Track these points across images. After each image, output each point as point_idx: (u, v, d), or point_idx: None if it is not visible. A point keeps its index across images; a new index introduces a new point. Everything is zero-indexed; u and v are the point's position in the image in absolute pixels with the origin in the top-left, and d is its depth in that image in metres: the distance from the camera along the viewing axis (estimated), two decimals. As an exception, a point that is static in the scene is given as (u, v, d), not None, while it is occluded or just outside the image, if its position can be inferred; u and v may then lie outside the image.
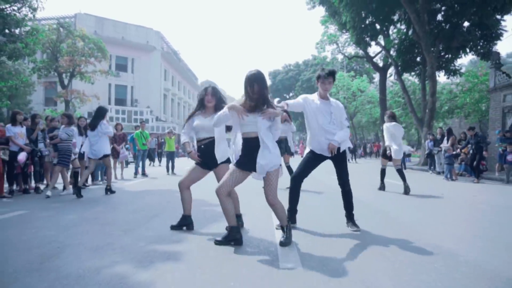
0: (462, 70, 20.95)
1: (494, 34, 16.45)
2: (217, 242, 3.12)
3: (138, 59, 46.22)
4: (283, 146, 7.02)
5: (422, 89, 19.04)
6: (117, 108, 42.36)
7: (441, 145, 12.09)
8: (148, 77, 46.21)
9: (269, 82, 58.44)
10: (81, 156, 7.65)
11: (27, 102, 29.56)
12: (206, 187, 4.68)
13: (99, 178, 8.65)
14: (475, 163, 10.52)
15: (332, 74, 3.80)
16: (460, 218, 4.59)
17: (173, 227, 3.72)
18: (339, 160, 3.88)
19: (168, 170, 11.41)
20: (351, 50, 28.29)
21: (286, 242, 3.09)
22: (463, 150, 12.41)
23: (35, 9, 13.73)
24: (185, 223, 3.75)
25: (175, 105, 54.42)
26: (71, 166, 7.13)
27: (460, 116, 26.46)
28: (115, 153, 9.66)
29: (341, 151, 3.85)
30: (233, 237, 3.11)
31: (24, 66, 24.14)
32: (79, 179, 7.46)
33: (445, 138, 12.20)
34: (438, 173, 12.86)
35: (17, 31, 14.14)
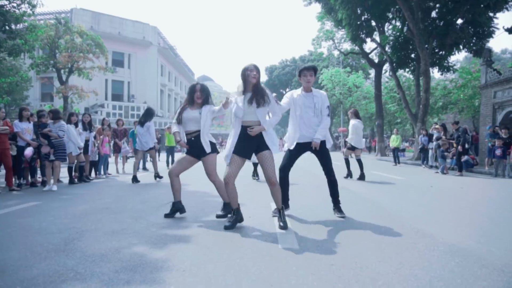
0: (457, 66, 21.31)
1: (487, 31, 16.83)
2: (227, 227, 3.46)
3: (135, 55, 46.20)
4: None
5: (416, 85, 19.42)
6: (114, 104, 42.45)
7: (439, 140, 12.41)
8: (145, 72, 46.25)
9: (265, 78, 58.67)
10: (85, 150, 7.94)
11: (24, 97, 29.63)
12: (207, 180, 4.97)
13: (102, 172, 8.94)
14: (455, 156, 11.13)
15: (312, 67, 4.11)
16: (444, 207, 4.94)
17: (166, 215, 4.05)
18: (321, 152, 4.16)
19: (168, 165, 11.70)
20: (347, 46, 28.59)
21: (284, 226, 3.45)
22: (454, 145, 12.84)
23: (34, 6, 13.86)
24: (178, 209, 4.09)
25: (171, 101, 54.54)
26: (68, 160, 7.38)
27: (454, 111, 26.92)
28: (117, 148, 9.94)
29: (325, 146, 4.15)
30: (238, 216, 3.61)
31: (21, 62, 24.21)
32: (84, 173, 7.77)
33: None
34: (431, 167, 13.26)
35: (16, 27, 14.27)
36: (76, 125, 7.46)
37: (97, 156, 8.55)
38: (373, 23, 19.48)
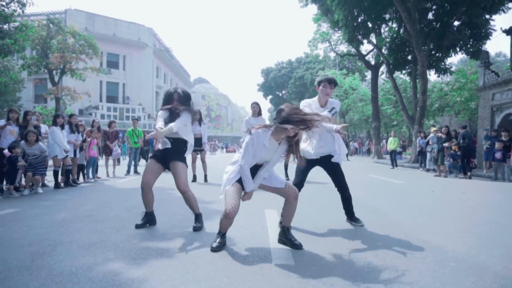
0: (453, 69, 21.13)
1: (484, 33, 16.71)
2: (214, 249, 2.95)
3: (130, 56, 45.83)
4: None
5: (413, 87, 19.23)
6: (109, 106, 42.04)
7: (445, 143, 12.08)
8: (140, 74, 45.87)
9: (261, 80, 58.35)
10: (73, 154, 7.60)
11: (16, 99, 29.16)
12: (198, 187, 4.68)
13: (91, 176, 8.59)
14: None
15: (334, 82, 3.66)
16: (449, 214, 4.66)
17: (138, 226, 3.67)
18: (333, 167, 3.86)
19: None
20: (344, 48, 28.43)
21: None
22: (453, 148, 12.64)
23: (24, 5, 13.50)
24: (149, 220, 3.80)
25: (167, 103, 54.10)
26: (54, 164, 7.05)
27: (451, 114, 26.80)
28: (108, 151, 9.59)
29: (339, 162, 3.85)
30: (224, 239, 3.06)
31: (13, 62, 23.77)
32: (71, 177, 7.43)
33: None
34: (428, 170, 13.03)
35: (5, 26, 13.91)
36: (62, 127, 7.12)
37: (84, 159, 8.20)
38: (370, 25, 19.28)
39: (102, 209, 4.71)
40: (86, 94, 20.63)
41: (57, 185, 6.98)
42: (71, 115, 7.86)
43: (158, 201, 5.32)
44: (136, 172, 10.42)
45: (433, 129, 13.12)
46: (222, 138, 67.44)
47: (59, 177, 7.21)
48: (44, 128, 7.57)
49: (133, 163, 10.55)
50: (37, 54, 20.29)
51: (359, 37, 18.81)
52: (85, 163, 8.29)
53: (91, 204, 5.12)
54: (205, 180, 8.04)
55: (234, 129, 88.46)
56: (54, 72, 20.32)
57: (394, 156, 14.41)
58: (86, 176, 8.31)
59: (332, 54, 31.23)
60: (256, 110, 7.43)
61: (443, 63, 19.29)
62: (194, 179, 8.02)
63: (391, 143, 14.43)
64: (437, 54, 18.83)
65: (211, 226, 3.70)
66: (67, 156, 7.13)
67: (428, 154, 13.22)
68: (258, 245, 3.07)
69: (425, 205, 5.33)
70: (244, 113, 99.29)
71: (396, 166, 14.45)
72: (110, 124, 9.81)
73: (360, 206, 4.99)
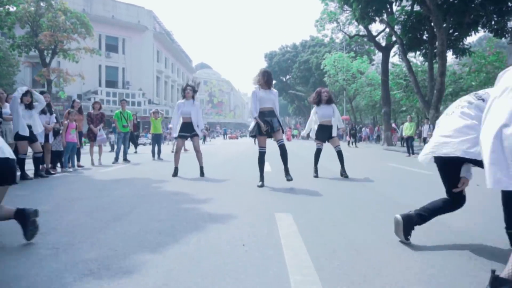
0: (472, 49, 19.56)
1: (510, 8, 15.19)
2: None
3: (129, 40, 44.40)
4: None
5: (429, 69, 17.86)
6: (108, 91, 40.88)
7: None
8: (140, 58, 44.49)
9: (265, 64, 56.92)
10: (46, 139, 6.49)
11: (11, 83, 28.04)
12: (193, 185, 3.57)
13: (71, 165, 7.50)
14: None
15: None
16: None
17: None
18: None
19: (154, 155, 10.28)
20: (352, 29, 26.85)
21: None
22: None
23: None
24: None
25: (168, 88, 52.93)
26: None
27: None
28: (92, 135, 8.50)
29: None
30: None
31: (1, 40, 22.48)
32: (42, 166, 6.34)
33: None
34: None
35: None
36: (29, 106, 5.97)
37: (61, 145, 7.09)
38: None
39: (57, 212, 3.58)
40: (79, 76, 19.38)
41: (23, 176, 5.88)
42: (41, 92, 6.70)
43: (136, 199, 4.23)
44: (125, 160, 9.33)
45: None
46: (225, 125, 66.21)
47: (28, 167, 6.13)
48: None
49: (122, 149, 9.44)
50: (27, 33, 19.02)
51: (371, 13, 17.28)
52: (62, 150, 7.18)
53: (48, 203, 4.01)
54: (201, 174, 6.41)
55: (237, 115, 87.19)
56: (45, 53, 19.07)
57: (410, 143, 13.18)
58: (64, 164, 7.21)
59: (340, 36, 29.60)
60: (268, 81, 5.36)
61: (461, 43, 17.84)
62: (175, 173, 6.31)
63: (407, 129, 13.18)
64: (455, 34, 17.39)
65: (197, 235, 2.58)
66: (36, 141, 6.01)
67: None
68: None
69: (478, 206, 4.17)
70: (247, 99, 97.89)
71: (413, 153, 13.24)
72: (94, 105, 8.68)
73: (391, 204, 3.84)
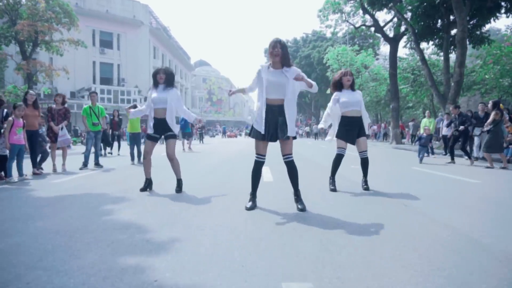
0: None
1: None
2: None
3: (124, 35, 42.84)
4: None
5: (444, 59, 16.26)
6: (102, 88, 39.38)
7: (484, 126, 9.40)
8: (136, 54, 42.92)
9: (264, 60, 55.74)
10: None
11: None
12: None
13: (19, 173, 5.97)
14: (460, 144, 9.57)
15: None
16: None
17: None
18: None
19: (133, 158, 8.72)
20: (358, 19, 25.19)
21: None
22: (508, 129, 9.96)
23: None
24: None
25: (165, 85, 51.27)
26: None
27: (474, 94, 23.85)
28: (52, 135, 6.96)
29: None
30: None
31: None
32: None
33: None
34: (476, 159, 10.33)
35: None
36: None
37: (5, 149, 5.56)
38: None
39: None
40: (63, 70, 17.78)
41: None
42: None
43: (80, 223, 2.71)
44: (97, 164, 7.77)
45: (480, 106, 10.32)
46: (224, 123, 64.60)
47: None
48: None
49: (93, 151, 7.89)
50: (5, 24, 17.44)
51: (383, -1, 15.65)
52: (7, 154, 5.65)
53: None
54: (178, 188, 4.66)
55: (237, 113, 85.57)
56: (26, 45, 17.50)
57: (428, 141, 11.56)
58: (8, 173, 5.65)
59: (344, 28, 27.89)
60: (283, 56, 3.43)
61: (478, 31, 16.26)
62: (145, 187, 4.71)
63: (426, 125, 11.58)
64: (473, 21, 15.81)
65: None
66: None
67: (476, 139, 10.51)
68: None
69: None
70: (247, 97, 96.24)
71: (432, 154, 11.70)
72: (55, 98, 7.13)
73: (443, 232, 2.27)
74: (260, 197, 3.79)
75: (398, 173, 7.10)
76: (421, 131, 11.93)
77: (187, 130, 14.05)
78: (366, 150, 4.78)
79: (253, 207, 3.53)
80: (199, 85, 74.32)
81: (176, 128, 4.67)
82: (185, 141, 14.63)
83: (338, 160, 4.75)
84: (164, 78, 4.58)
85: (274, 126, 3.39)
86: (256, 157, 3.57)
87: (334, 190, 4.66)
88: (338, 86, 4.83)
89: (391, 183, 5.48)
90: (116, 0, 42.65)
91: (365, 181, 4.82)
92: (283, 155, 3.56)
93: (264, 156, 3.55)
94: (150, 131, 4.65)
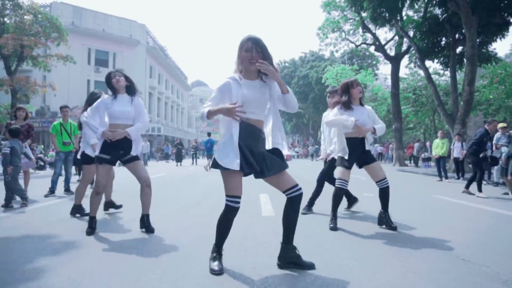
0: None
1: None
2: None
3: (121, 54, 42.36)
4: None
5: (451, 78, 15.51)
6: (96, 106, 38.42)
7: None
8: (132, 73, 40.80)
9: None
10: None
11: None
12: None
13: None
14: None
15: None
16: None
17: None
18: None
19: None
20: (358, 38, 24.67)
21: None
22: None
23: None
24: None
25: (162, 105, 50.64)
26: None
27: (477, 115, 23.21)
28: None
29: None
30: None
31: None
32: None
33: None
34: (496, 184, 9.33)
35: None
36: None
37: None
38: None
39: None
40: (49, 86, 16.82)
41: None
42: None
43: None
44: (67, 190, 6.63)
45: (500, 125, 9.34)
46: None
47: None
48: None
49: (62, 175, 6.77)
50: (-10, 38, 16.60)
51: (385, 13, 14.97)
52: None
53: None
54: (145, 227, 3.59)
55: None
56: (10, 60, 16.60)
57: (443, 164, 10.57)
58: None
59: (343, 47, 27.35)
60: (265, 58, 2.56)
61: (484, 49, 15.60)
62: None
63: (439, 147, 10.57)
64: (479, 38, 15.19)
65: None
66: None
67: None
68: None
69: None
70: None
71: (446, 177, 10.66)
72: (16, 112, 6.08)
73: None
74: (259, 234, 2.70)
75: (418, 202, 6.03)
76: (433, 152, 10.93)
77: (212, 152, 13.84)
78: (385, 178, 3.73)
79: (218, 271, 2.37)
80: (196, 105, 73.86)
81: (139, 147, 3.58)
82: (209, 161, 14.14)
83: (339, 195, 3.81)
84: (125, 84, 3.53)
85: (252, 159, 2.34)
86: (227, 199, 2.42)
87: (334, 228, 3.68)
88: (347, 98, 3.77)
89: (412, 215, 4.42)
90: (113, 19, 42.55)
91: (388, 217, 3.76)
92: (283, 192, 2.51)
93: (239, 197, 2.41)
94: (101, 153, 3.43)
